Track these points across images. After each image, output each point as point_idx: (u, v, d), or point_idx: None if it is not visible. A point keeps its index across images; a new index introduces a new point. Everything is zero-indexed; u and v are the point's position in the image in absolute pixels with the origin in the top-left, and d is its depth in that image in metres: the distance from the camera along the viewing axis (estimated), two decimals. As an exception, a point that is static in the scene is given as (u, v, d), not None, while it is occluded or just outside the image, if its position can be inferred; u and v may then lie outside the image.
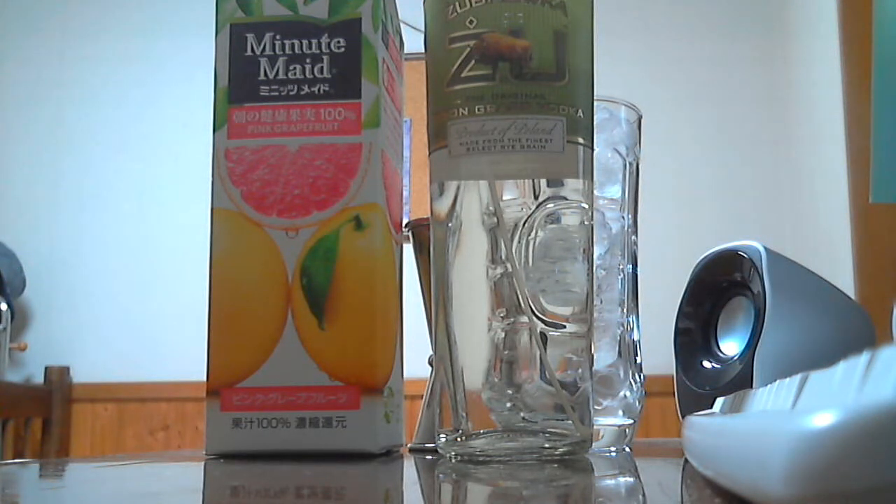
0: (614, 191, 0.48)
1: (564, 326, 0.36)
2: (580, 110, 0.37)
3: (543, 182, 0.36)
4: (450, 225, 0.37)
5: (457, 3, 0.37)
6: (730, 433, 0.19)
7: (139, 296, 2.14)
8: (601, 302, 0.47)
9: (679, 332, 0.60)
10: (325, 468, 0.34)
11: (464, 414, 0.36)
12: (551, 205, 0.36)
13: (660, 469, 0.38)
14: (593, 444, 0.37)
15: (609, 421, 0.46)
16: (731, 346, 0.58)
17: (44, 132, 2.24)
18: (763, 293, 0.53)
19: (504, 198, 0.36)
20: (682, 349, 0.60)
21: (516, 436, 0.35)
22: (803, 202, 1.95)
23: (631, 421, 0.47)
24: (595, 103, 0.39)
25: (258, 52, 0.42)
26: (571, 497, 0.26)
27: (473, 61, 0.36)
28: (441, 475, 0.33)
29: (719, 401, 0.34)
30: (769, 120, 2.06)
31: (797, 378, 0.21)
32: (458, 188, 0.37)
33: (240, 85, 0.42)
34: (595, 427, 0.41)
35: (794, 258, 0.56)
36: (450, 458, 0.36)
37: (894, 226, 1.45)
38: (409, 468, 0.37)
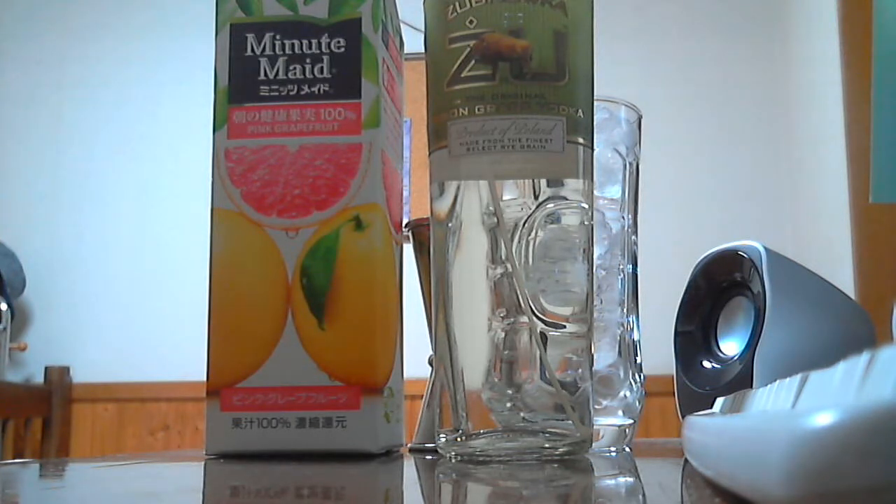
0: (614, 191, 0.48)
1: (564, 326, 0.36)
2: (580, 110, 0.37)
3: (543, 182, 0.36)
4: (450, 225, 0.37)
5: (457, 3, 0.37)
6: (730, 433, 0.19)
7: (139, 296, 2.14)
8: (601, 302, 0.47)
9: (679, 332, 0.60)
10: (325, 468, 0.34)
11: (464, 414, 0.36)
12: (551, 205, 0.36)
13: (660, 469, 0.38)
14: (593, 444, 0.37)
15: (609, 421, 0.46)
16: (731, 346, 0.58)
17: (44, 132, 2.24)
18: (763, 293, 0.53)
19: (504, 198, 0.36)
20: (682, 349, 0.60)
21: (516, 436, 0.35)
22: (803, 202, 1.94)
23: (631, 421, 0.47)
24: (595, 103, 0.39)
25: (258, 52, 0.42)
26: (571, 497, 0.25)
27: (473, 61, 0.36)
28: (441, 475, 0.33)
29: (719, 401, 0.34)
30: (769, 120, 2.06)
31: (797, 378, 0.21)
32: (458, 188, 0.37)
33: (240, 85, 0.42)
34: (595, 427, 0.41)
35: (794, 258, 0.56)
36: (450, 458, 0.36)
37: (894, 226, 1.45)
38: (409, 468, 0.37)
